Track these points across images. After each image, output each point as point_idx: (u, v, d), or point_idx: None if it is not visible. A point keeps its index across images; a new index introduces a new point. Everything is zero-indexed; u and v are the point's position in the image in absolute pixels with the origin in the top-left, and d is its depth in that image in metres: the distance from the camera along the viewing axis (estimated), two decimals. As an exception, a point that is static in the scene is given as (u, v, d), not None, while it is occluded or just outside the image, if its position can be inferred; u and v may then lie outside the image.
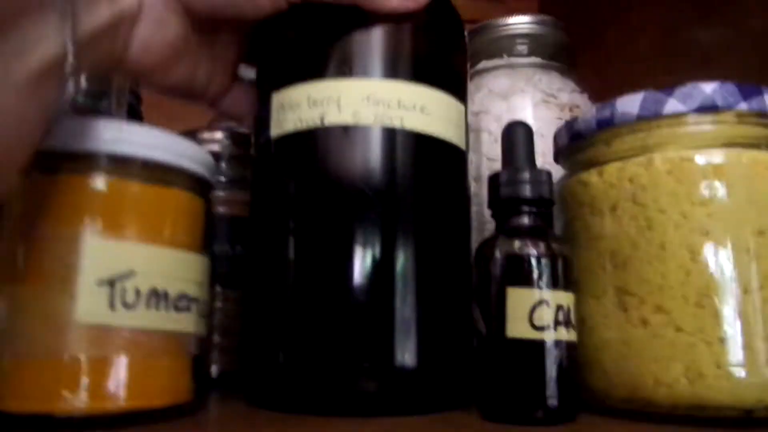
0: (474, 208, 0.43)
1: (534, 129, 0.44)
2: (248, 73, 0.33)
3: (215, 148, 0.40)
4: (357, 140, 0.26)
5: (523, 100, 0.44)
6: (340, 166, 0.26)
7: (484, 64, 0.46)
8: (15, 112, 0.18)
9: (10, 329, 0.22)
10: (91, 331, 0.22)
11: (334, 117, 0.26)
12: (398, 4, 0.26)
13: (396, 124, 0.26)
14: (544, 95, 0.44)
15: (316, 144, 0.26)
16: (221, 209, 0.38)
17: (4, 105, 0.18)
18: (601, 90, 0.46)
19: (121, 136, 0.23)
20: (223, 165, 0.40)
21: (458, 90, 0.29)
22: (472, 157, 0.44)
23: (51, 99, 0.20)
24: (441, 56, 0.29)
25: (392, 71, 0.27)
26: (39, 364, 0.22)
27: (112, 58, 0.24)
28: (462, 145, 0.29)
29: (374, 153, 0.26)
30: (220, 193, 0.38)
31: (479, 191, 0.42)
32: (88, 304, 0.22)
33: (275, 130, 0.27)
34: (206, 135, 0.41)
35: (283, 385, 0.25)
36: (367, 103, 0.26)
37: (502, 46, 0.46)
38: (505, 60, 0.46)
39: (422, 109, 0.26)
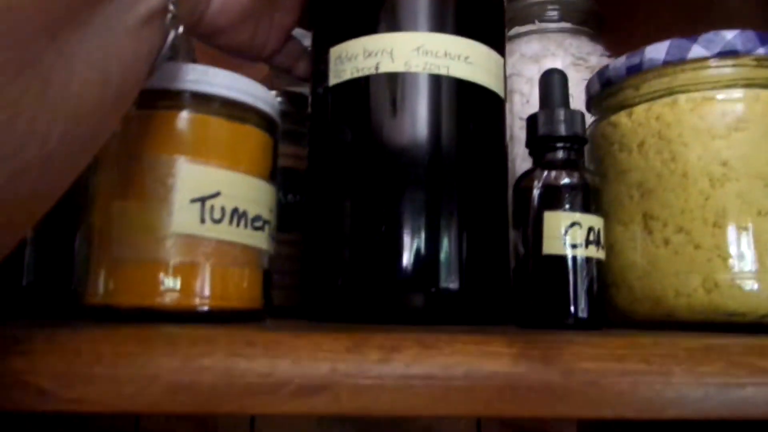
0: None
1: (564, 89, 0.47)
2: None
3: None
4: (408, 86, 0.29)
5: (554, 63, 0.46)
6: (394, 109, 0.29)
7: (516, 29, 0.49)
8: (129, 52, 0.21)
9: (117, 238, 0.26)
10: (184, 240, 0.25)
11: (388, 66, 0.29)
12: None
13: (443, 72, 0.29)
14: (573, 58, 0.46)
15: (371, 90, 0.29)
16: (281, 162, 0.42)
17: (121, 46, 0.21)
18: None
19: (204, 77, 0.27)
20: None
21: (498, 43, 0.32)
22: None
23: (155, 43, 0.23)
24: (482, 11, 0.32)
25: (439, 25, 0.30)
26: (141, 267, 0.25)
27: (197, 13, 0.27)
28: (501, 93, 0.31)
29: (423, 97, 0.29)
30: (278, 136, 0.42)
31: (511, 150, 0.45)
32: (182, 218, 0.25)
33: (333, 80, 0.30)
34: (259, 92, 0.44)
35: (342, 301, 0.29)
36: (417, 53, 0.29)
37: (534, 13, 0.49)
38: (536, 25, 0.48)
39: (466, 59, 0.29)
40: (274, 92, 0.44)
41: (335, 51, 0.30)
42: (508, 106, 0.47)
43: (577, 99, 0.40)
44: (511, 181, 0.43)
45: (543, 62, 0.47)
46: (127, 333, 0.19)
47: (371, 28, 0.30)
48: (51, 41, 0.18)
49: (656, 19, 0.52)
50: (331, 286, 0.29)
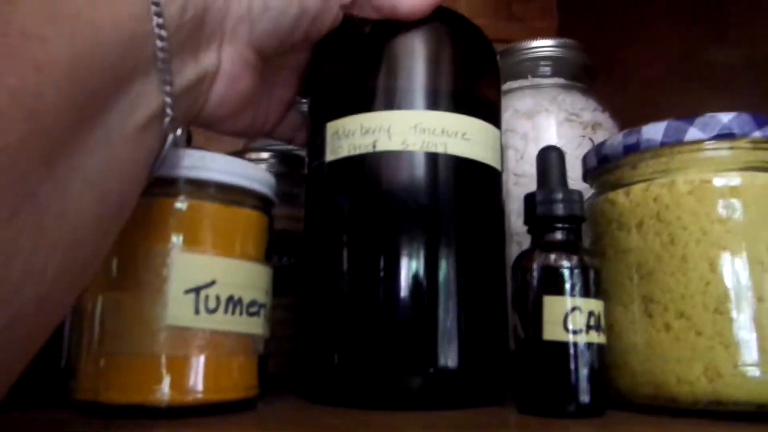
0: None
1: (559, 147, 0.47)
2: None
3: (262, 167, 0.43)
4: (405, 164, 0.29)
5: (548, 119, 0.46)
6: (391, 187, 0.29)
7: (509, 84, 0.49)
8: (128, 160, 0.21)
9: (108, 331, 0.25)
10: (178, 332, 0.25)
11: (385, 144, 0.29)
12: (409, 8, 0.29)
13: (440, 150, 0.29)
14: (567, 114, 0.47)
15: (368, 168, 0.29)
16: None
17: (119, 156, 0.21)
18: (622, 108, 0.49)
19: (200, 163, 0.27)
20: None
21: (493, 117, 0.32)
22: (500, 174, 0.47)
23: (154, 147, 0.23)
24: (478, 88, 0.32)
25: (436, 103, 0.30)
26: (133, 362, 0.25)
27: (195, 110, 0.27)
28: (498, 166, 0.31)
29: (421, 175, 0.29)
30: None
31: (506, 206, 0.45)
32: (177, 309, 0.25)
33: (330, 156, 0.30)
34: (253, 155, 0.44)
35: (338, 382, 0.28)
36: (414, 131, 0.29)
37: (527, 68, 0.49)
38: (529, 81, 0.49)
39: (463, 135, 0.29)
40: (264, 153, 0.43)
41: (332, 126, 0.30)
42: (502, 161, 0.47)
43: (571, 155, 0.40)
44: (507, 239, 0.43)
45: (536, 118, 0.47)
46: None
47: (368, 106, 0.30)
48: (47, 171, 0.17)
49: (648, 72, 0.53)
50: (326, 366, 0.29)
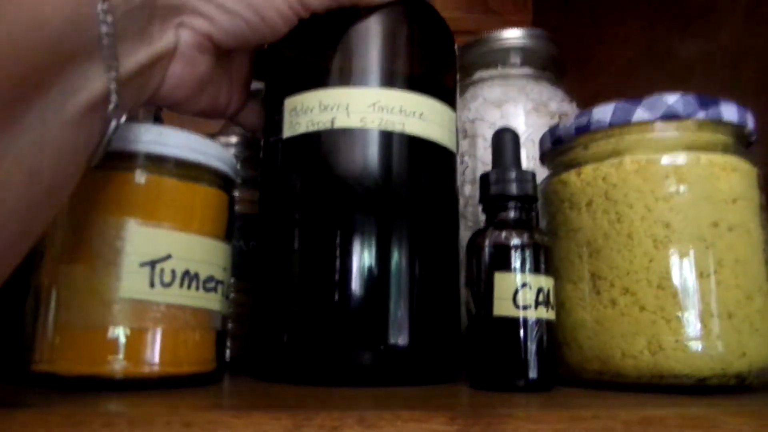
0: (470, 209, 0.47)
1: (526, 135, 0.48)
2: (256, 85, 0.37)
3: (230, 151, 0.43)
4: (364, 142, 0.29)
5: (516, 108, 0.47)
6: (348, 164, 0.29)
7: (479, 74, 0.50)
8: (68, 142, 0.21)
9: (63, 303, 0.25)
10: (133, 305, 0.25)
11: (344, 121, 0.29)
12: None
13: (398, 128, 0.29)
14: (535, 104, 0.47)
15: (326, 144, 0.29)
16: (238, 207, 0.42)
17: (59, 136, 0.20)
18: (590, 99, 0.49)
19: (158, 138, 0.27)
20: (238, 166, 0.43)
21: (450, 99, 0.32)
22: (468, 161, 0.47)
23: (95, 132, 0.22)
24: (435, 70, 0.32)
25: (393, 82, 0.30)
26: (87, 334, 0.25)
27: (147, 93, 0.26)
28: (453, 147, 0.32)
29: (378, 153, 0.29)
30: (236, 194, 0.42)
31: (475, 193, 0.46)
32: (132, 282, 0.25)
33: (288, 132, 0.30)
34: (222, 139, 0.44)
35: (291, 360, 0.28)
36: (372, 109, 0.29)
37: (497, 58, 0.50)
38: (499, 71, 0.49)
39: (420, 115, 0.30)
40: (233, 138, 0.44)
41: (290, 102, 0.31)
42: (472, 150, 0.48)
43: (538, 145, 0.41)
44: (475, 228, 0.44)
45: (505, 107, 0.48)
46: (62, 414, 0.19)
47: (326, 82, 0.30)
48: None
49: (616, 63, 0.54)
50: (279, 344, 0.29)
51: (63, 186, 0.22)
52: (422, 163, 0.30)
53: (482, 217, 0.31)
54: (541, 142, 0.33)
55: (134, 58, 0.24)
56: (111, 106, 0.22)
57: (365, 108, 0.29)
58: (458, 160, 0.51)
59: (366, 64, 0.30)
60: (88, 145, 0.22)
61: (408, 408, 0.21)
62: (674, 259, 0.26)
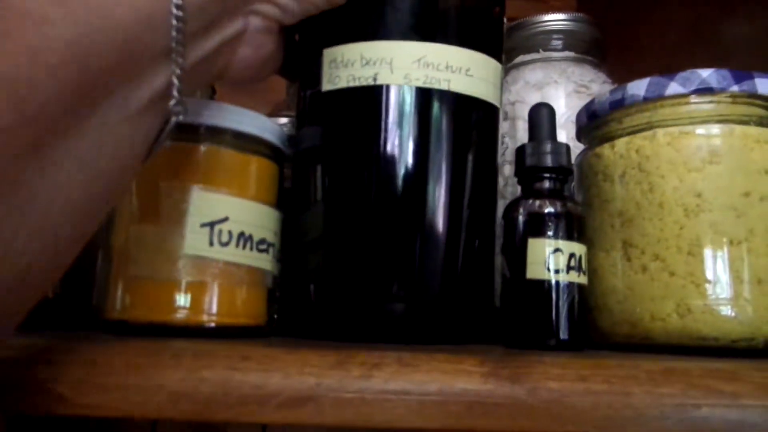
0: (509, 188, 0.48)
1: (566, 117, 0.48)
2: None
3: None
4: (407, 101, 0.28)
5: (557, 91, 0.48)
6: (390, 123, 0.28)
7: (521, 58, 0.51)
8: (126, 138, 0.21)
9: (134, 258, 0.28)
10: (195, 261, 0.28)
11: (387, 77, 0.28)
12: None
13: (443, 86, 0.28)
14: (576, 86, 0.48)
15: (368, 101, 0.28)
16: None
17: (119, 133, 0.20)
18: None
19: (218, 113, 0.30)
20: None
21: (497, 50, 0.31)
22: (508, 142, 0.48)
23: (154, 126, 0.22)
24: (485, 19, 0.31)
25: (441, 35, 0.29)
26: (155, 285, 0.28)
27: (210, 77, 0.26)
28: (497, 102, 0.31)
29: (421, 113, 0.28)
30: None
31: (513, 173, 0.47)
32: (194, 240, 0.28)
33: (327, 85, 0.29)
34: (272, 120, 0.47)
35: (326, 320, 0.29)
36: (417, 65, 0.28)
37: (538, 42, 0.51)
38: (540, 54, 0.50)
39: (467, 71, 0.29)
40: (285, 119, 0.46)
41: (330, 54, 0.29)
42: (512, 132, 0.49)
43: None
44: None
45: (546, 90, 0.48)
46: (138, 346, 0.22)
47: (369, 33, 0.28)
48: (34, 157, 0.17)
49: (659, 46, 0.54)
50: (312, 302, 0.29)
51: (120, 185, 0.22)
52: (467, 122, 0.29)
53: (518, 189, 0.32)
54: (578, 117, 0.34)
55: (201, 49, 0.23)
56: (172, 102, 0.22)
57: (410, 64, 0.28)
58: (499, 141, 0.51)
59: (411, 14, 0.29)
60: (146, 139, 0.22)
61: (442, 352, 0.22)
62: (704, 227, 0.27)
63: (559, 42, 0.51)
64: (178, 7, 0.20)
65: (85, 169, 0.19)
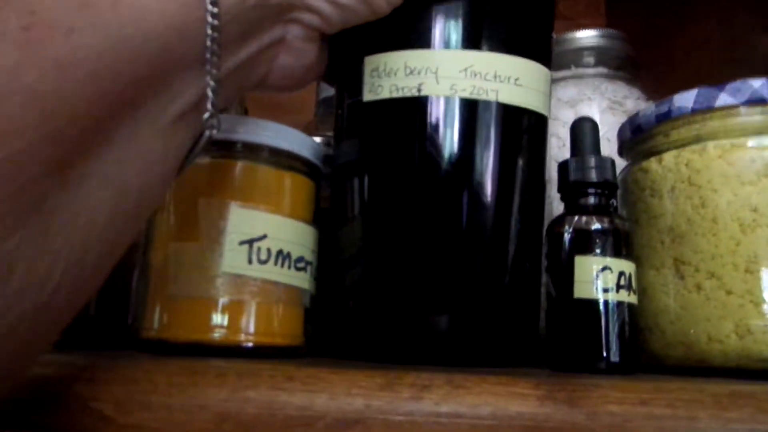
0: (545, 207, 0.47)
1: (601, 134, 0.47)
2: None
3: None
4: (453, 113, 0.27)
5: (590, 108, 0.47)
6: (436, 136, 0.27)
7: (553, 74, 0.50)
8: (158, 152, 0.20)
9: (172, 276, 0.28)
10: (233, 279, 0.27)
11: (432, 88, 0.27)
12: None
13: (491, 97, 0.27)
14: (610, 102, 0.47)
15: (412, 113, 0.27)
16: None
17: (149, 148, 0.19)
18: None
19: (255, 129, 0.29)
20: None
21: (546, 56, 0.30)
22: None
23: (186, 138, 0.21)
24: (535, 25, 0.30)
25: (488, 42, 0.28)
26: (193, 304, 0.27)
27: (249, 85, 0.26)
28: (546, 112, 0.30)
29: (468, 126, 0.27)
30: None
31: (549, 191, 0.46)
32: (232, 258, 0.27)
33: (369, 95, 0.28)
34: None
35: (374, 342, 0.28)
36: (464, 75, 0.27)
37: (570, 58, 0.50)
38: (572, 71, 0.50)
39: (516, 80, 0.28)
40: (319, 139, 0.46)
41: (371, 62, 0.28)
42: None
43: (614, 142, 0.41)
44: (548, 221, 0.44)
45: (579, 107, 0.48)
46: (179, 365, 0.21)
47: (413, 41, 0.27)
48: (59, 176, 0.16)
49: (694, 63, 0.53)
50: (352, 321, 0.29)
51: (150, 200, 0.21)
52: (516, 134, 0.28)
53: (560, 205, 0.31)
54: (620, 132, 0.33)
55: (236, 57, 0.22)
56: (206, 115, 0.21)
57: (456, 74, 0.27)
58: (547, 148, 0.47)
59: (457, 22, 0.28)
60: (178, 153, 0.21)
61: (493, 374, 0.21)
62: (762, 243, 0.26)
63: (591, 58, 0.50)
64: (213, 15, 0.19)
65: (111, 186, 0.18)
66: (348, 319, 0.29)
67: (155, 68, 0.18)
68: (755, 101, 0.27)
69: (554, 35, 0.52)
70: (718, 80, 0.29)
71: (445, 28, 0.28)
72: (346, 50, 0.30)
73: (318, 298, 0.31)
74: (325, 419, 0.20)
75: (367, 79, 0.28)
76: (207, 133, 0.22)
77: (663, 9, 0.60)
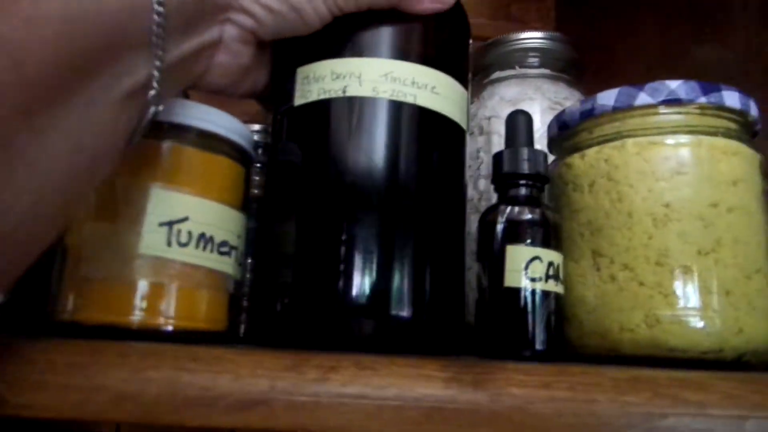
0: (483, 203, 0.48)
1: (540, 133, 0.48)
2: None
3: (254, 137, 0.45)
4: (374, 111, 0.29)
5: (532, 107, 0.48)
6: (357, 132, 0.29)
7: (497, 74, 0.51)
8: (109, 122, 0.22)
9: (88, 257, 0.27)
10: (152, 261, 0.27)
11: (355, 89, 0.29)
12: (429, 6, 0.30)
13: (409, 100, 0.29)
14: (551, 103, 0.48)
15: (337, 112, 0.29)
16: (255, 191, 0.43)
17: (102, 117, 0.21)
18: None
19: (182, 110, 0.29)
20: (259, 153, 0.45)
21: (462, 76, 0.32)
22: (483, 157, 0.48)
23: (134, 116, 0.23)
24: (449, 44, 0.33)
25: (406, 54, 0.30)
26: (110, 285, 0.26)
27: (190, 80, 0.28)
28: (464, 125, 0.32)
29: (388, 123, 0.29)
30: (255, 178, 0.43)
31: (489, 188, 0.47)
32: (151, 240, 0.27)
33: (299, 100, 0.30)
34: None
35: (288, 328, 0.28)
36: (385, 79, 0.29)
37: (515, 59, 0.51)
38: (516, 71, 0.51)
39: (432, 89, 0.30)
40: (255, 126, 0.46)
41: (302, 71, 0.31)
42: (487, 146, 0.49)
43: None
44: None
45: (521, 105, 0.48)
46: (80, 344, 0.21)
47: (340, 52, 0.30)
48: (25, 121, 0.18)
49: (633, 68, 0.54)
50: (274, 311, 0.29)
51: (103, 163, 0.23)
52: (433, 136, 0.30)
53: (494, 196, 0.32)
54: (549, 128, 0.34)
55: (179, 49, 0.25)
56: (152, 93, 0.23)
57: (377, 78, 0.29)
58: (474, 155, 0.51)
59: (380, 36, 0.30)
60: (127, 126, 0.23)
61: (403, 357, 0.22)
62: (672, 237, 0.27)
63: (536, 59, 0.51)
64: (159, 3, 0.22)
65: (70, 141, 0.20)
66: (274, 310, 0.29)
67: (109, 42, 0.20)
68: (672, 101, 0.28)
69: (501, 36, 0.53)
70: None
71: (367, 40, 0.30)
72: (282, 66, 0.33)
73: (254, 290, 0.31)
74: (227, 399, 0.19)
75: (298, 87, 0.31)
76: (152, 109, 0.24)
77: (608, 16, 0.61)
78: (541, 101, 0.48)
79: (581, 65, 0.52)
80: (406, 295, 0.28)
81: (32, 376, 0.19)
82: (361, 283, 0.27)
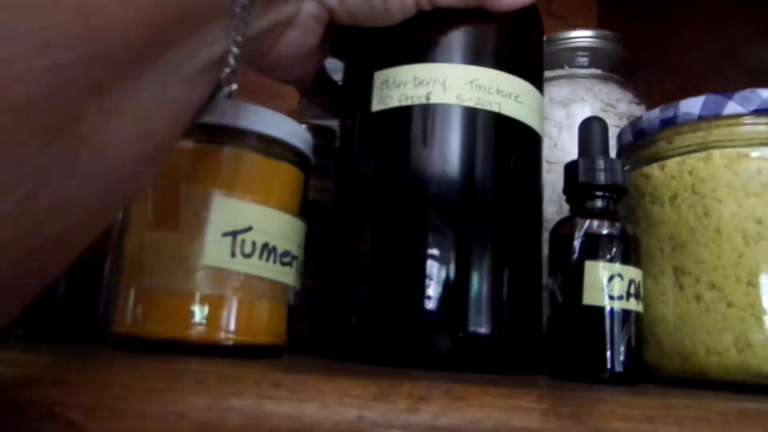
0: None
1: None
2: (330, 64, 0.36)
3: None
4: (459, 120, 0.28)
5: (583, 108, 0.46)
6: (441, 140, 0.28)
7: (546, 73, 0.49)
8: (180, 100, 0.20)
9: (148, 267, 0.26)
10: (215, 273, 0.26)
11: (440, 96, 0.28)
12: (510, 3, 0.29)
13: (494, 108, 0.28)
14: (603, 104, 0.47)
15: (420, 119, 0.28)
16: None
17: (174, 94, 0.19)
18: (660, 102, 0.49)
19: (242, 114, 0.28)
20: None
21: (539, 81, 0.32)
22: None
23: (205, 93, 0.21)
24: (529, 51, 0.32)
25: (491, 61, 0.29)
26: (170, 298, 0.25)
27: (257, 55, 0.26)
28: (542, 132, 0.31)
29: (473, 132, 0.28)
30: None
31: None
32: (214, 250, 0.26)
33: (378, 105, 0.29)
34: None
35: (366, 340, 0.28)
36: (470, 87, 0.28)
37: (564, 58, 0.49)
38: (566, 71, 0.49)
39: (516, 97, 0.29)
40: (303, 125, 0.44)
41: (380, 76, 0.30)
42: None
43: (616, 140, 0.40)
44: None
45: (571, 107, 0.47)
46: (156, 368, 0.19)
47: (422, 57, 0.29)
48: (97, 100, 0.16)
49: (687, 68, 0.52)
50: (355, 324, 0.28)
51: (168, 145, 0.21)
52: (514, 145, 0.29)
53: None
54: (620, 136, 0.32)
55: (258, 23, 0.23)
56: (227, 70, 0.21)
57: (462, 85, 0.28)
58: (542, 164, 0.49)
59: (464, 41, 0.29)
60: (197, 104, 0.22)
61: (494, 385, 0.20)
62: (766, 256, 0.25)
63: (585, 59, 0.49)
64: None
65: (142, 123, 0.18)
66: (350, 323, 0.28)
67: (190, 11, 0.18)
68: (763, 111, 0.26)
69: (549, 35, 0.51)
70: (711, 87, 0.29)
71: (451, 45, 0.29)
72: (355, 70, 0.32)
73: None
74: (315, 430, 0.18)
75: (376, 92, 0.30)
76: (226, 89, 0.22)
77: (656, 12, 0.59)
78: (593, 103, 0.47)
79: (632, 65, 0.50)
80: (484, 310, 0.27)
81: (110, 403, 0.18)
82: (440, 297, 0.26)
